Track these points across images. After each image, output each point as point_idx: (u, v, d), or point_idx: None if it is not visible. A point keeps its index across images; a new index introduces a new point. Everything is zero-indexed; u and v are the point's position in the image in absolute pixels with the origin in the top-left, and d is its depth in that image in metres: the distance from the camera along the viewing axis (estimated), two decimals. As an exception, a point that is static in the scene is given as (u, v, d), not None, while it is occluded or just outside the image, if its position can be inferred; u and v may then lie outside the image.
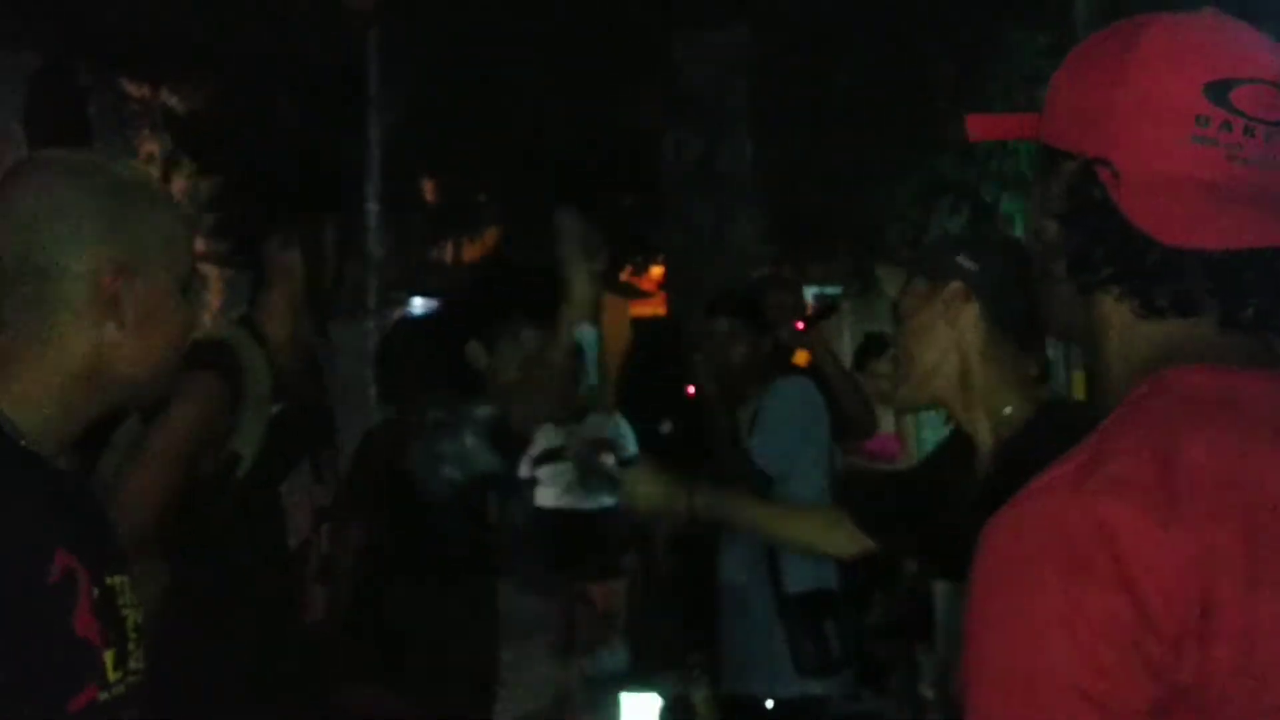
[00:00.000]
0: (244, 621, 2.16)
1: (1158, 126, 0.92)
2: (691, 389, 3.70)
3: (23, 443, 1.19)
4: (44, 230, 1.22)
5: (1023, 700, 0.87)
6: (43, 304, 1.22)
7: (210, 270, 8.26)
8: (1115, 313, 0.96)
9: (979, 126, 1.05)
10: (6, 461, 1.17)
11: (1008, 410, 1.67)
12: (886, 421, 6.20)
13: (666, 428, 4.03)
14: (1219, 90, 0.91)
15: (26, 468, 1.18)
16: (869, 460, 5.97)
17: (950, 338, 1.70)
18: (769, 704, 3.43)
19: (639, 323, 16.54)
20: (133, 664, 1.25)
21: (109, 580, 1.23)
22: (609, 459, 5.37)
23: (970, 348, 1.69)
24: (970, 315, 1.69)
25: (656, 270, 13.51)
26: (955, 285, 1.69)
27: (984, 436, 1.71)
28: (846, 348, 17.63)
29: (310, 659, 2.20)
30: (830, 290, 16.98)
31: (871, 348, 6.40)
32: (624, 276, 15.50)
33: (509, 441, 2.73)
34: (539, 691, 5.65)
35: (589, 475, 5.28)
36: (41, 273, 1.22)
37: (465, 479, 2.64)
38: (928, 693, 5.41)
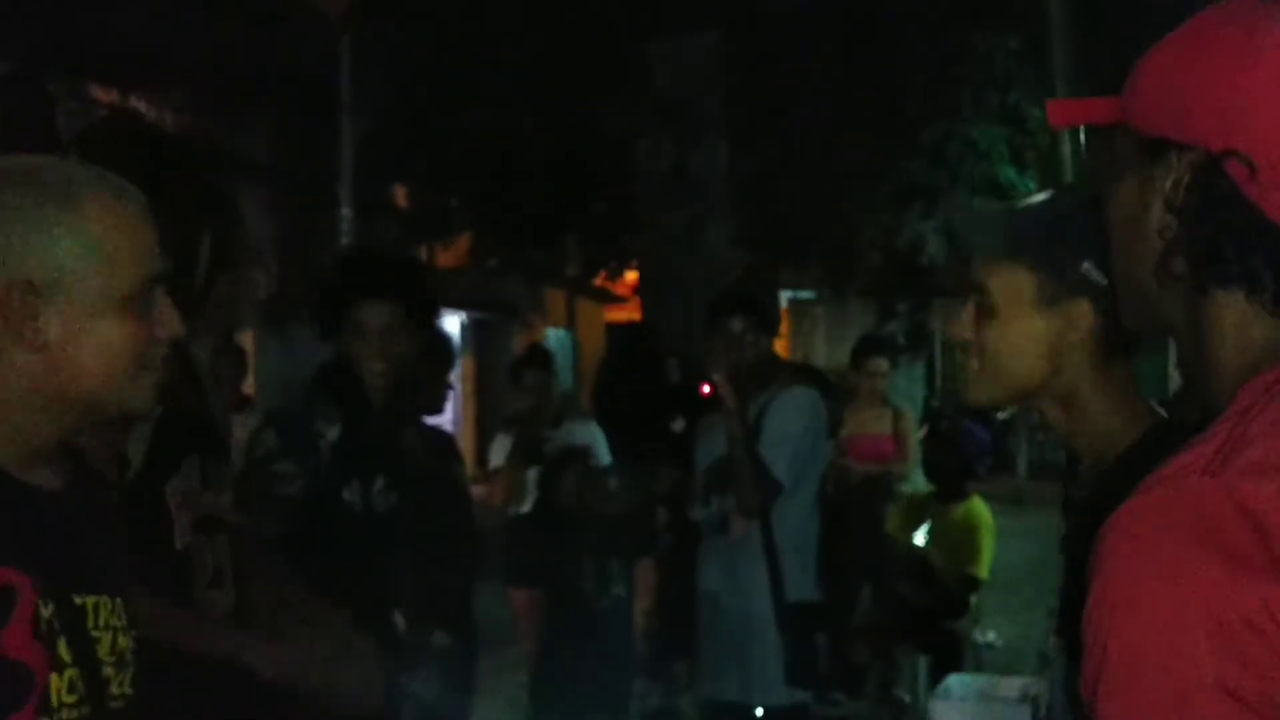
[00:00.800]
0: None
1: None
2: (707, 388, 3.61)
3: None
4: None
5: (1164, 699, 0.82)
6: None
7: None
8: (1234, 310, 0.91)
9: (1060, 112, 1.01)
10: None
11: (1116, 429, 1.53)
12: (883, 422, 6.21)
13: (679, 425, 3.93)
14: None
15: None
16: (860, 463, 5.98)
17: (1061, 355, 1.52)
18: (759, 712, 3.41)
19: (613, 328, 16.57)
20: (115, 689, 1.19)
21: (79, 600, 1.18)
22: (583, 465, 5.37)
23: (1084, 366, 1.52)
24: (1089, 332, 1.50)
25: (631, 275, 13.53)
26: (1084, 305, 1.49)
27: (1088, 456, 1.55)
28: (821, 350, 17.72)
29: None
30: (804, 294, 17.05)
31: (868, 347, 6.41)
32: (598, 282, 15.52)
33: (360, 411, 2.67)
34: (513, 700, 5.63)
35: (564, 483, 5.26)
36: None
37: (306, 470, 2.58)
38: (905, 696, 5.44)
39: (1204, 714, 0.80)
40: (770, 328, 3.65)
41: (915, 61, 8.99)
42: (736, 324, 3.53)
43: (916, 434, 7.04)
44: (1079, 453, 1.59)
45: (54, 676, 1.14)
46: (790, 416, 3.47)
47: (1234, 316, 0.91)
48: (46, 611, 1.14)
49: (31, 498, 1.20)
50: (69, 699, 1.15)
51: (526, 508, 5.42)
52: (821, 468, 3.57)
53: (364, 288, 2.78)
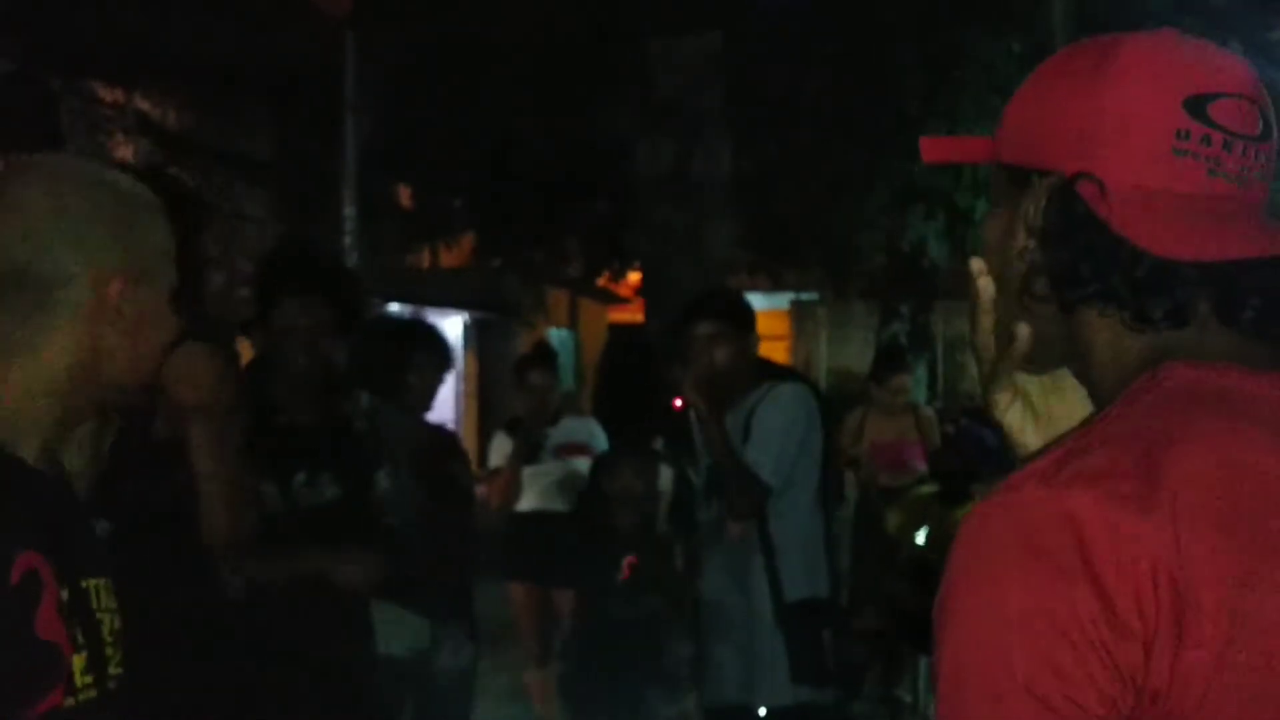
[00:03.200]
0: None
1: (1140, 140, 0.91)
2: (679, 403, 3.56)
3: None
4: (52, 237, 1.22)
5: (978, 700, 0.83)
6: (42, 310, 1.22)
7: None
8: (1103, 327, 0.93)
9: (933, 149, 1.03)
10: None
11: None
12: (904, 426, 6.20)
13: (659, 444, 3.90)
14: (1197, 104, 0.91)
15: None
16: (886, 472, 5.99)
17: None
18: (761, 712, 3.39)
19: (615, 328, 16.56)
20: (112, 669, 1.23)
21: (84, 583, 1.21)
22: (584, 462, 5.38)
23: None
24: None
25: (634, 276, 13.53)
26: None
27: None
28: (824, 352, 17.71)
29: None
30: (806, 295, 17.04)
31: (893, 364, 6.35)
32: (601, 283, 15.51)
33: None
34: (512, 697, 5.64)
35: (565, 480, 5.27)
36: (44, 280, 1.22)
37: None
38: (906, 696, 5.45)
39: (1014, 717, 0.82)
40: (746, 329, 3.53)
41: (917, 64, 9.00)
42: (705, 328, 3.44)
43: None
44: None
45: (75, 658, 1.18)
46: (775, 417, 3.40)
47: (1104, 333, 0.93)
48: (64, 595, 1.18)
49: (44, 483, 1.24)
50: (86, 680, 1.19)
51: (526, 505, 5.43)
52: (818, 463, 3.51)
53: (287, 286, 2.79)
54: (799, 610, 3.41)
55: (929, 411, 6.69)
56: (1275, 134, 0.94)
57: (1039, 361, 1.00)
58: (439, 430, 3.97)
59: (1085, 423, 0.93)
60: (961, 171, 9.75)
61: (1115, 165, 0.90)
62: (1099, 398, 0.95)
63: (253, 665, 2.32)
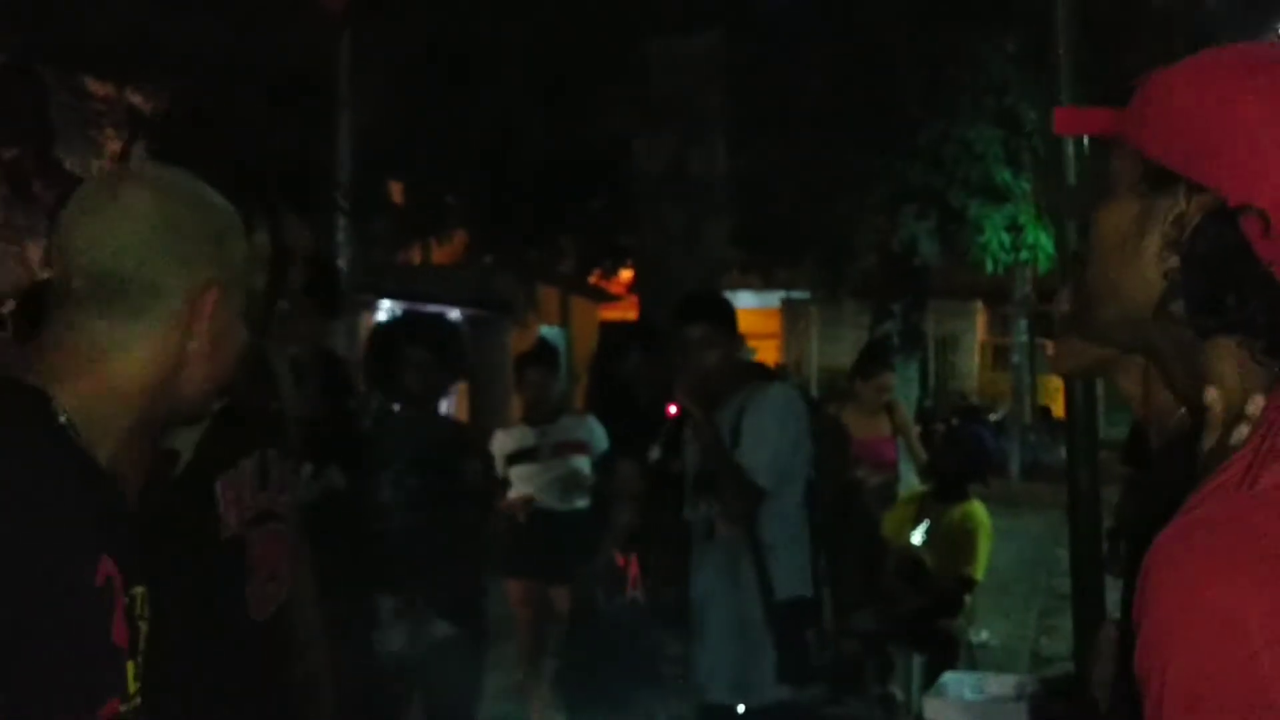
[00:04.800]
0: (179, 608, 2.18)
1: None
2: (673, 409, 3.57)
3: (81, 448, 1.19)
4: (159, 249, 1.26)
5: None
6: (138, 316, 1.25)
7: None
8: (1230, 354, 0.89)
9: (1068, 120, 0.99)
10: (68, 465, 1.17)
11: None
12: (881, 423, 6.22)
13: (655, 454, 3.91)
14: None
15: (84, 472, 1.18)
16: (868, 469, 6.00)
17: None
18: (740, 709, 3.40)
19: (607, 326, 16.56)
20: (141, 676, 1.23)
21: (131, 590, 1.22)
22: (582, 460, 5.37)
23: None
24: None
25: (626, 274, 13.52)
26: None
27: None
28: (815, 350, 17.70)
29: (254, 652, 2.22)
30: (798, 294, 17.05)
31: (877, 361, 6.37)
32: (593, 280, 15.51)
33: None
34: (507, 694, 5.64)
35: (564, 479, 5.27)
36: (146, 288, 1.25)
37: None
38: (899, 694, 5.47)
39: None
40: (732, 331, 3.57)
41: (912, 63, 9.01)
42: (696, 330, 3.48)
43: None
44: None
45: (130, 664, 1.19)
46: (768, 418, 3.43)
47: (1231, 361, 0.90)
48: (125, 602, 1.20)
49: (115, 488, 1.25)
50: (135, 685, 1.20)
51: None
52: (806, 463, 3.53)
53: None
54: (788, 609, 3.43)
55: (904, 409, 6.70)
56: None
57: (1100, 365, 0.97)
58: (451, 426, 3.95)
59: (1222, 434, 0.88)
60: (954, 171, 9.78)
61: None
62: (1205, 414, 0.91)
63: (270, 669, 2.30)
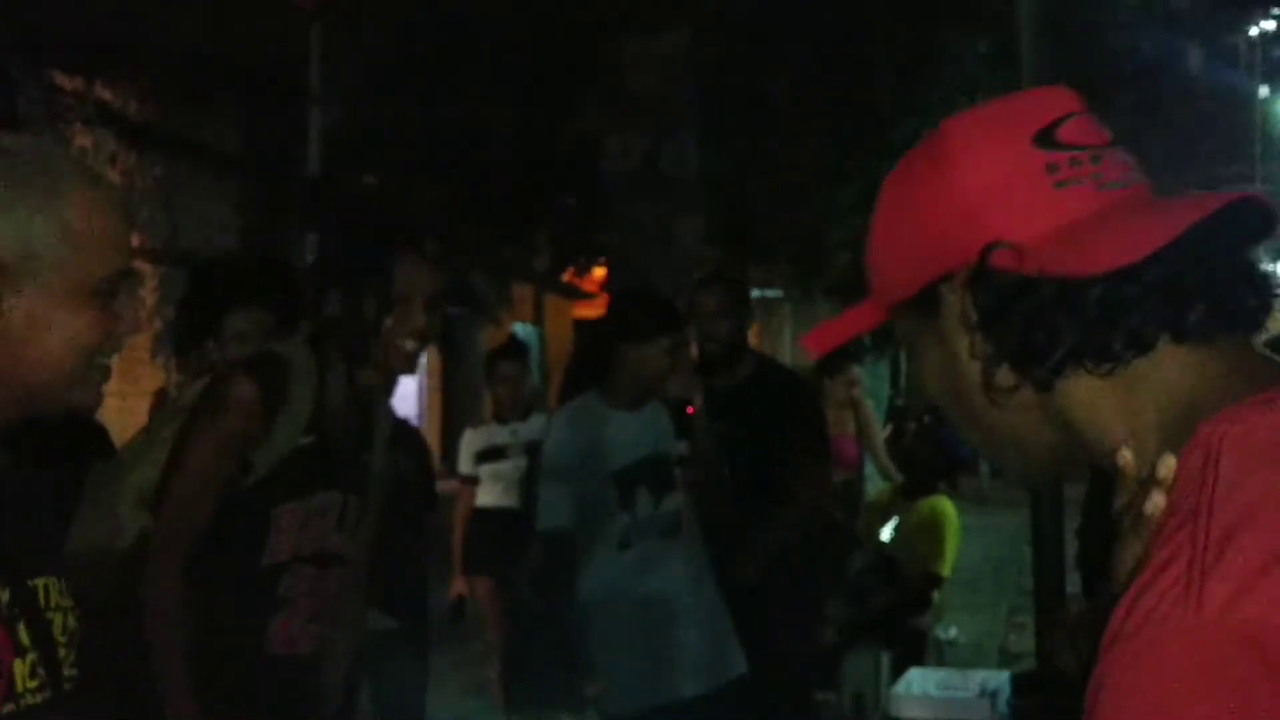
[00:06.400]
0: (205, 622, 2.11)
1: (1020, 194, 0.88)
2: (691, 409, 3.64)
3: None
4: None
5: None
6: None
7: (145, 268, 8.14)
8: (1080, 392, 0.88)
9: (821, 339, 1.00)
10: None
11: None
12: (847, 422, 6.25)
13: (682, 449, 3.93)
14: (1045, 137, 0.89)
15: None
16: (838, 468, 6.02)
17: None
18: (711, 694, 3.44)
19: (581, 324, 16.55)
20: (66, 670, 1.18)
21: (31, 582, 1.17)
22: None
23: None
24: None
25: (600, 271, 13.51)
26: None
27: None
28: (788, 350, 17.74)
29: (262, 684, 2.14)
30: (771, 293, 17.08)
31: (843, 352, 6.45)
32: (566, 278, 15.49)
33: None
34: (476, 692, 5.63)
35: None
36: None
37: None
38: (866, 689, 5.48)
39: None
40: (746, 305, 3.83)
41: (885, 61, 9.03)
42: (714, 299, 3.71)
43: (881, 432, 7.06)
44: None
45: (17, 662, 1.13)
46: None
47: (1084, 395, 0.88)
48: (5, 596, 1.13)
49: None
50: (32, 684, 1.14)
51: (492, 500, 5.41)
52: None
53: (236, 295, 2.78)
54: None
55: (869, 408, 6.73)
56: (1115, 134, 0.92)
57: (1027, 463, 0.93)
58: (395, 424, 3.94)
59: (1134, 512, 0.83)
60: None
61: (1014, 226, 0.87)
62: (1103, 462, 0.89)
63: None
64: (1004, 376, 0.89)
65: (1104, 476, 1.79)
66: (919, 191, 0.93)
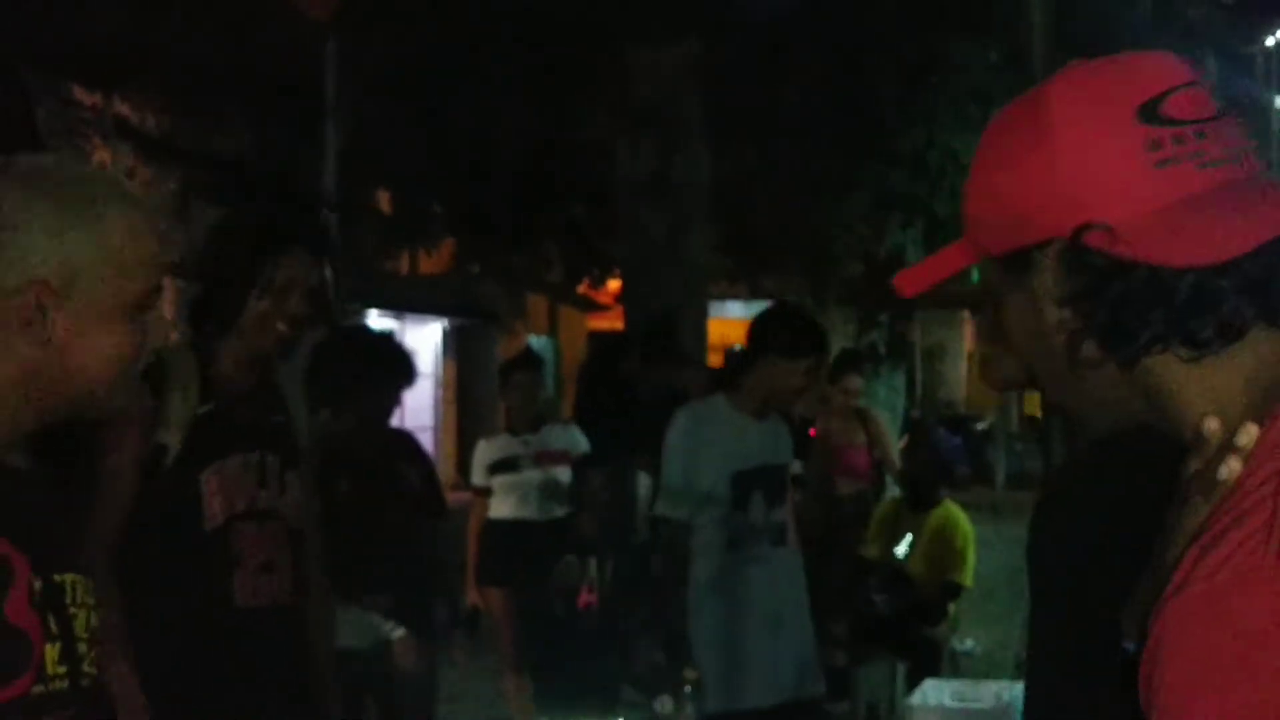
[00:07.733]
0: (164, 592, 2.31)
1: (1118, 170, 0.87)
2: (813, 431, 3.73)
3: None
4: None
5: None
6: None
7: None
8: (1166, 371, 0.88)
9: (912, 280, 1.00)
10: None
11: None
12: (855, 431, 6.23)
13: (797, 468, 3.99)
14: (1150, 111, 0.88)
15: None
16: (845, 479, 6.02)
17: None
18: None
19: (595, 336, 16.56)
20: (85, 668, 1.23)
21: (58, 577, 1.22)
22: (564, 470, 5.37)
23: None
24: None
25: (614, 283, 13.53)
26: None
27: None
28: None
29: (242, 637, 2.34)
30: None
31: (845, 364, 6.43)
32: (581, 289, 15.51)
33: None
34: (489, 704, 5.63)
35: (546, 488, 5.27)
36: None
37: None
38: (881, 700, 5.47)
39: None
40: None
41: (894, 71, 9.04)
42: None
43: (896, 443, 7.04)
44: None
45: (48, 646, 1.19)
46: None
47: (1170, 374, 0.89)
48: (37, 585, 1.20)
49: (13, 477, 1.25)
50: (59, 669, 1.20)
51: (505, 512, 5.42)
52: None
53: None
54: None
55: (881, 419, 6.70)
56: (1228, 105, 0.92)
57: (1114, 423, 0.94)
58: (392, 434, 3.93)
59: (1207, 479, 0.86)
60: (939, 179, 9.80)
61: (1110, 205, 0.87)
62: (1181, 445, 0.90)
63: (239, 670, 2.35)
64: (1089, 350, 0.90)
65: (1062, 491, 1.72)
66: (1019, 155, 0.92)
